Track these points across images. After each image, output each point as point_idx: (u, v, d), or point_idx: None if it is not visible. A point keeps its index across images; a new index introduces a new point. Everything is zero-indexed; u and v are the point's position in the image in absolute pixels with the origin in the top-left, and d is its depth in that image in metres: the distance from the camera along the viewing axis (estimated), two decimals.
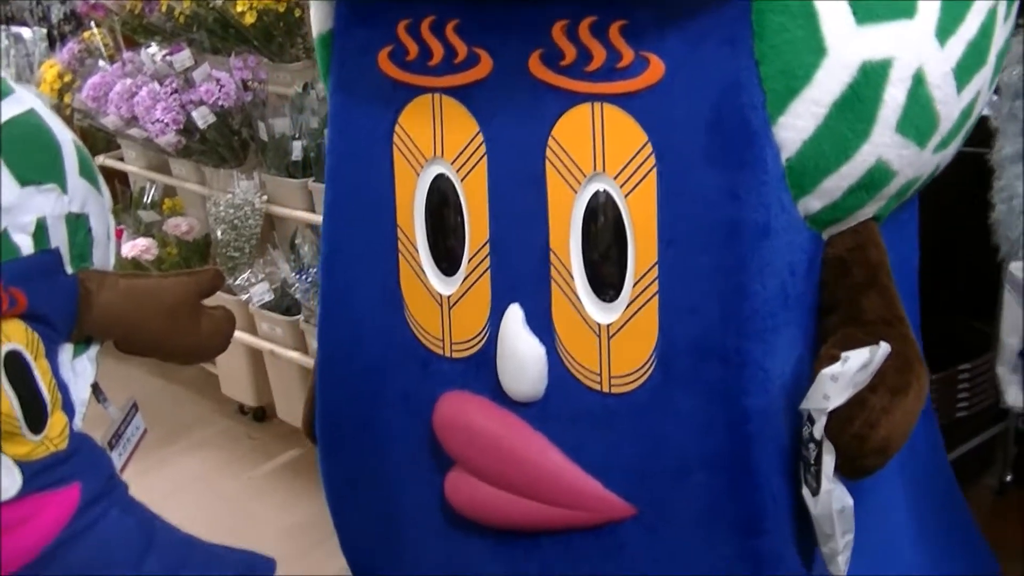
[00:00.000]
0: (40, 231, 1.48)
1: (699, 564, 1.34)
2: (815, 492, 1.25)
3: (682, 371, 1.29)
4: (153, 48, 2.87)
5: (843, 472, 1.24)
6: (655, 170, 1.25)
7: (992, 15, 1.32)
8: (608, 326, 1.32)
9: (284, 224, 2.82)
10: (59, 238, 1.51)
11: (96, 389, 1.62)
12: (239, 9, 2.65)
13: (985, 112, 1.50)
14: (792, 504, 1.31)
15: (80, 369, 1.57)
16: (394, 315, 1.50)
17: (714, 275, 1.25)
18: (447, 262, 1.45)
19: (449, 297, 1.44)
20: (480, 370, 1.43)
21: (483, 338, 1.42)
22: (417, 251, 1.46)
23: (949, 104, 1.30)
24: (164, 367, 3.17)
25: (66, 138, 1.58)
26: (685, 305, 1.27)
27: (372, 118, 1.46)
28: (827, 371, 1.21)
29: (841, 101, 1.22)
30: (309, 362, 2.65)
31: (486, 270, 1.40)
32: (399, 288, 1.49)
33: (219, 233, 2.73)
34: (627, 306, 1.30)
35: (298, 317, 2.67)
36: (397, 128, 1.44)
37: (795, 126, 1.22)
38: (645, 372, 1.31)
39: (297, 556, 2.32)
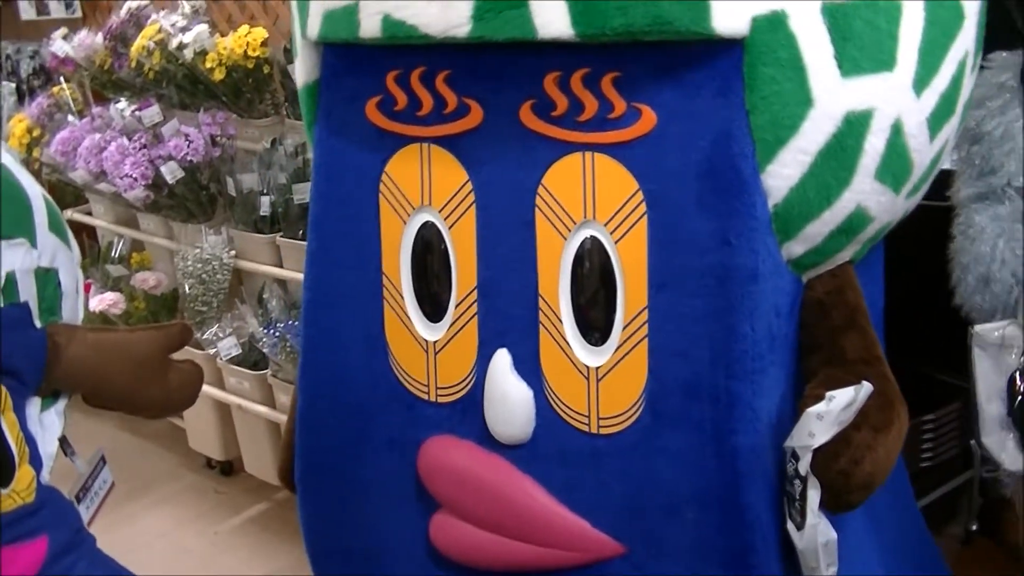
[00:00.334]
0: (9, 285, 1.47)
1: None
2: (800, 526, 1.27)
3: (671, 411, 1.30)
4: (122, 103, 2.90)
5: (828, 507, 1.26)
6: (646, 216, 1.28)
7: (962, 67, 1.37)
8: (597, 369, 1.34)
9: (252, 279, 2.82)
10: (28, 292, 1.50)
11: (64, 442, 1.60)
12: (208, 65, 2.68)
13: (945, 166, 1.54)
14: (779, 538, 1.32)
15: (48, 423, 1.55)
16: (378, 360, 1.50)
17: (705, 318, 1.27)
18: (432, 308, 1.46)
19: (435, 343, 1.45)
20: (467, 414, 1.43)
21: (469, 383, 1.43)
22: (403, 297, 1.47)
23: (923, 152, 1.35)
24: (132, 421, 3.15)
25: (36, 192, 1.57)
26: (675, 347, 1.29)
27: (359, 167, 1.47)
28: (813, 409, 1.24)
29: (826, 150, 1.25)
30: (277, 416, 2.65)
31: (473, 315, 1.41)
32: (383, 334, 1.49)
33: (187, 287, 2.74)
34: (616, 349, 1.32)
35: (265, 372, 2.67)
36: (384, 177, 1.45)
37: (782, 174, 1.25)
38: (634, 413, 1.32)
39: None
